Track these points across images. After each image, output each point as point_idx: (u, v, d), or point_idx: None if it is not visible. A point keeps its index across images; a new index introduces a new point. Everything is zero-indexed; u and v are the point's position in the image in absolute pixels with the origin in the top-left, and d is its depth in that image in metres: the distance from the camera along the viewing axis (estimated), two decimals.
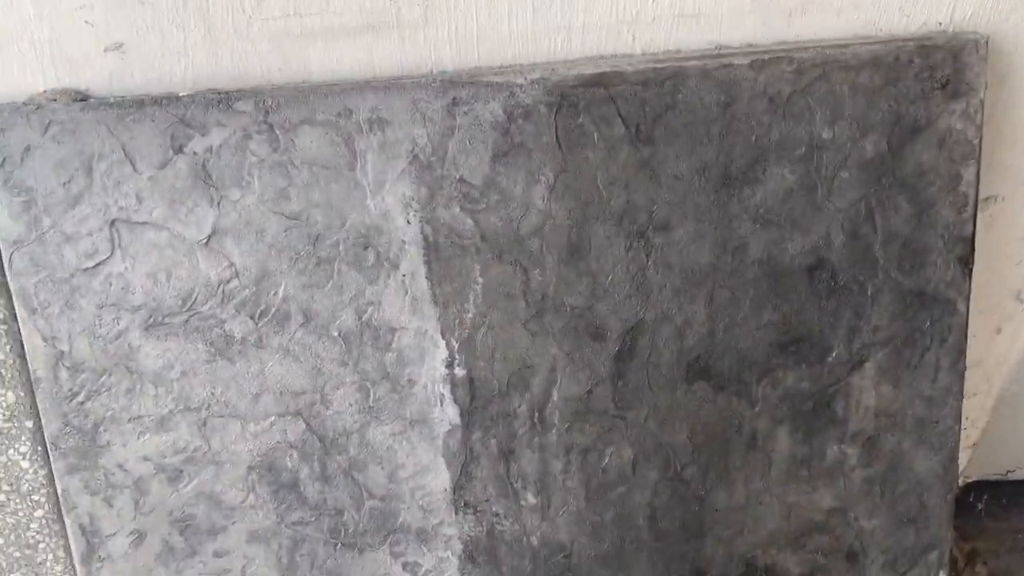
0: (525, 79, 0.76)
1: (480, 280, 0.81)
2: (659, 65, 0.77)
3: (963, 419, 0.90)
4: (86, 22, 0.74)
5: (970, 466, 1.17)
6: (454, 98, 0.76)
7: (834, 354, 0.86)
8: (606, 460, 0.87)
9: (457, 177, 0.78)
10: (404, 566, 0.89)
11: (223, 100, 0.75)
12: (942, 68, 0.78)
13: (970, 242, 0.83)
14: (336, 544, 0.88)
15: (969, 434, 1.08)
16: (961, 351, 0.86)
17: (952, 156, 0.80)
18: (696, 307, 0.83)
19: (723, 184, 0.80)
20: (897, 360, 0.86)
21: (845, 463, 0.89)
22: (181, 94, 0.75)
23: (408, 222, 0.79)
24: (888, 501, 0.90)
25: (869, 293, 0.84)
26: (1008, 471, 1.23)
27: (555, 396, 0.85)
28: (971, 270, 0.84)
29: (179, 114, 0.75)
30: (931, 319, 0.85)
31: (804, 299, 0.84)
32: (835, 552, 0.92)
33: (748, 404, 0.86)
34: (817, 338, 0.85)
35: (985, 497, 1.23)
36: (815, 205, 0.81)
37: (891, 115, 0.79)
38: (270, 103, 0.75)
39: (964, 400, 0.89)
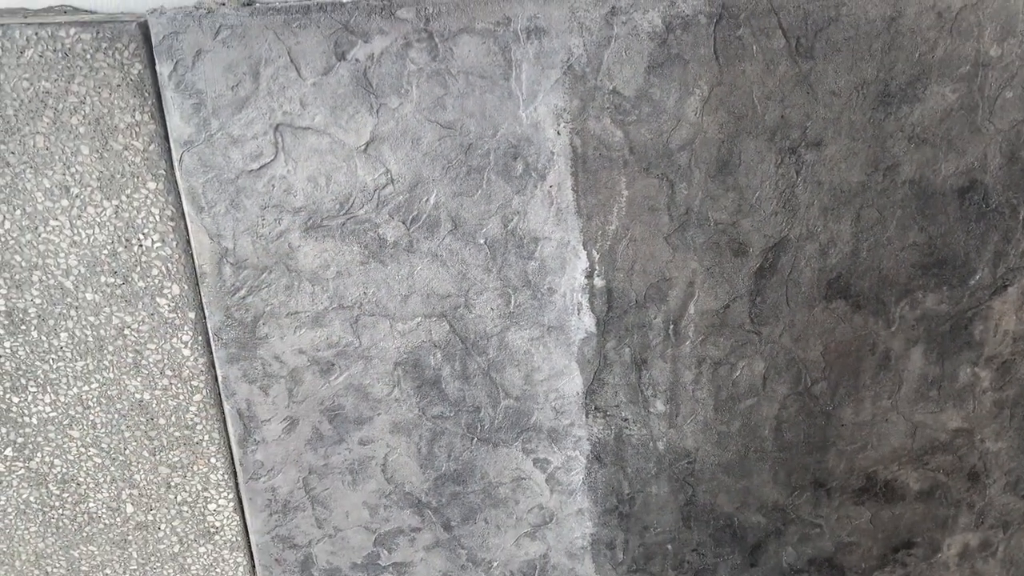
0: None
1: (625, 193, 0.82)
2: None
3: None
4: None
5: None
6: (613, 7, 0.76)
7: (977, 277, 0.85)
8: (737, 373, 0.89)
9: (610, 88, 0.79)
10: (535, 462, 0.94)
11: (386, 7, 0.76)
12: None
13: None
14: (472, 438, 0.93)
15: None
16: None
17: None
18: (842, 226, 0.82)
19: (881, 102, 0.78)
20: None
21: (977, 385, 0.89)
22: (345, 0, 0.76)
23: (558, 133, 0.80)
24: (1017, 425, 0.91)
25: (1021, 217, 0.82)
26: None
27: (691, 309, 0.86)
28: None
29: (343, 20, 0.76)
30: None
31: (952, 221, 0.83)
32: (957, 471, 0.93)
33: (885, 324, 0.87)
34: (961, 261, 0.84)
35: None
36: (974, 126, 0.79)
37: None
38: (431, 10, 0.76)
39: None
